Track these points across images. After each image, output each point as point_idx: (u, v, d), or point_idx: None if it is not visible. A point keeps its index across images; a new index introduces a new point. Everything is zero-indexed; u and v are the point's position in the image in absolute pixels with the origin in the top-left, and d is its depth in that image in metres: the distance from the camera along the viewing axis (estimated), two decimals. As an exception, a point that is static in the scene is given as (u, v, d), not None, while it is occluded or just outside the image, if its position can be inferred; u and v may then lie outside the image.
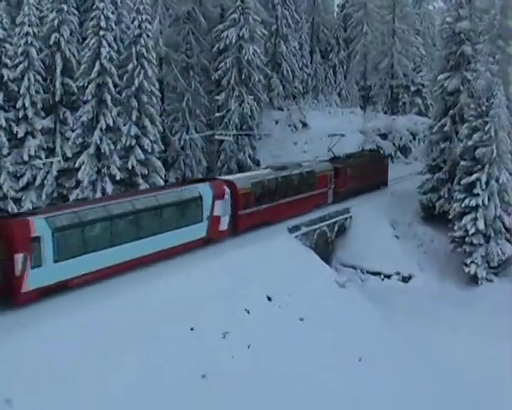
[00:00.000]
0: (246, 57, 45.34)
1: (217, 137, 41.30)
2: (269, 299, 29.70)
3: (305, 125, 54.13)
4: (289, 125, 52.82)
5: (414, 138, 58.67)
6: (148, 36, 38.70)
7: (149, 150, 38.44)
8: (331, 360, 28.52)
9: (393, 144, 55.12)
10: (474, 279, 39.86)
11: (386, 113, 64.15)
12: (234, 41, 45.65)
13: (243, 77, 46.01)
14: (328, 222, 39.16)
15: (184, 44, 46.45)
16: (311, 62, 65.89)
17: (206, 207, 31.41)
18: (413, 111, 64.12)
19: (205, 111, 47.28)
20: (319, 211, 39.72)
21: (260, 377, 25.41)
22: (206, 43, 47.45)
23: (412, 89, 64.48)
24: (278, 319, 28.85)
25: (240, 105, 45.71)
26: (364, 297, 34.71)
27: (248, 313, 28.14)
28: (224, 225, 32.61)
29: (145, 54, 38.47)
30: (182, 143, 45.45)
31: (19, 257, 23.30)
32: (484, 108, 39.55)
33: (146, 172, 38.52)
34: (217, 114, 45.36)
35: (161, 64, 45.92)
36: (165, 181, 42.38)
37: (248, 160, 45.80)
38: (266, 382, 25.40)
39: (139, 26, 38.54)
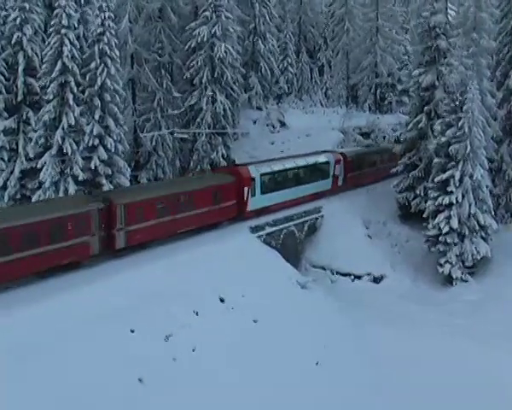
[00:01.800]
0: (218, 55, 44.45)
1: (176, 134, 40.41)
2: (221, 300, 28.75)
3: (283, 124, 53.19)
4: (267, 125, 51.89)
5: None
6: (111, 34, 37.90)
7: (113, 150, 37.61)
8: (285, 363, 27.56)
9: (376, 143, 53.92)
10: (448, 280, 38.72)
11: (374, 112, 63.17)
12: (206, 39, 44.78)
13: (216, 75, 45.14)
14: (296, 222, 38.19)
15: (156, 43, 45.63)
16: (296, 62, 64.92)
17: (331, 168, 45.66)
18: (400, 110, 62.92)
19: (177, 110, 46.39)
20: (286, 211, 38.75)
21: (204, 381, 24.49)
22: (178, 42, 46.63)
23: (399, 88, 63.27)
24: (230, 320, 27.93)
25: (212, 104, 44.84)
26: (329, 299, 33.67)
27: (197, 314, 27.19)
28: (340, 182, 46.51)
29: (108, 52, 37.63)
30: (154, 143, 44.60)
31: (246, 189, 36.88)
32: (457, 102, 38.50)
33: (110, 172, 37.68)
34: (176, 112, 44.28)
35: (133, 63, 45.18)
36: (135, 181, 41.75)
37: (222, 159, 44.84)
38: (210, 386, 24.46)
39: (102, 24, 37.70)
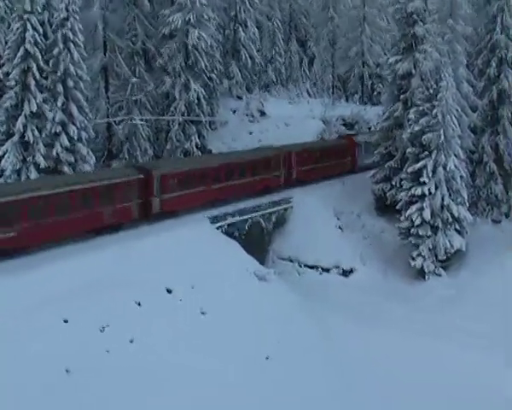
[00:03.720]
0: (191, 42, 43.46)
1: (134, 121, 39.52)
2: (168, 291, 27.77)
3: (263, 114, 52.08)
4: (247, 115, 50.84)
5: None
6: (75, 19, 37.06)
7: (76, 138, 36.80)
8: (233, 358, 26.55)
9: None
10: (421, 274, 37.52)
11: (365, 103, 61.89)
12: (179, 26, 43.80)
13: (189, 63, 44.15)
14: (263, 212, 37.14)
15: (130, 30, 44.76)
16: (285, 51, 63.77)
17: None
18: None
19: (151, 99, 45.51)
20: (252, 200, 37.70)
21: (138, 374, 23.57)
22: (152, 29, 45.70)
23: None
24: (175, 312, 26.91)
25: (186, 92, 43.87)
26: (290, 291, 32.55)
27: (139, 305, 26.24)
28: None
29: (72, 38, 36.77)
30: (126, 131, 43.74)
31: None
32: (432, 90, 37.27)
33: (73, 159, 36.87)
34: (140, 96, 43.42)
35: (105, 50, 44.35)
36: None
37: (195, 149, 43.87)
38: (144, 380, 23.52)
39: (66, 9, 36.84)
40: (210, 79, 47.01)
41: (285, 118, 50.86)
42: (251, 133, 49.79)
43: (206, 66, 44.61)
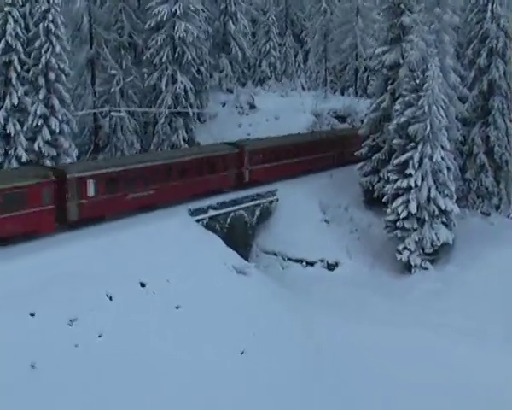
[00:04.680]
0: (178, 35, 42.99)
1: (112, 113, 39.10)
2: (142, 285, 27.37)
3: (253, 107, 51.57)
4: (236, 107, 50.33)
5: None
6: (57, 11, 36.72)
7: (57, 131, 36.50)
8: (207, 353, 26.16)
9: (353, 127, 51.93)
10: (407, 267, 36.94)
11: (361, 96, 61.16)
12: (166, 18, 43.36)
13: (176, 55, 43.70)
14: (246, 205, 36.67)
15: (117, 23, 44.38)
16: (280, 45, 63.21)
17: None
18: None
19: (138, 92, 45.16)
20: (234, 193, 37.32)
21: (106, 369, 23.22)
22: (139, 22, 45.29)
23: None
24: (147, 306, 26.47)
25: (173, 85, 43.46)
26: (270, 285, 32.11)
27: (111, 299, 25.86)
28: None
29: (53, 30, 36.47)
30: (113, 125, 43.44)
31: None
32: (418, 81, 36.63)
33: (55, 153, 36.58)
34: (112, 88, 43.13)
35: (92, 44, 44.02)
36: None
37: (183, 142, 43.45)
38: (114, 374, 23.20)
39: (47, 1, 36.55)
40: (199, 71, 46.56)
41: (275, 111, 50.47)
42: (240, 126, 49.34)
43: (193, 58, 44.15)
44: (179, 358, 25.20)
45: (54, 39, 36.60)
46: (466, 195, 42.41)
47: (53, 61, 36.49)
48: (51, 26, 36.50)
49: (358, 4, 55.44)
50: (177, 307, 27.34)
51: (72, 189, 30.30)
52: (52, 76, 36.56)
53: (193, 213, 33.13)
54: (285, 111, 49.78)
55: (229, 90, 51.83)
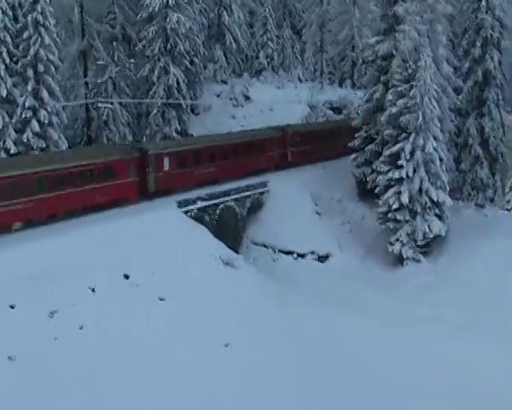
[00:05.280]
0: (170, 26, 42.64)
1: (99, 105, 38.79)
2: (126, 277, 27.14)
3: (247, 98, 51.19)
4: (231, 99, 49.97)
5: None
6: (46, 2, 36.45)
7: (47, 123, 36.27)
8: (190, 344, 25.89)
9: (349, 118, 51.46)
10: (399, 260, 36.58)
11: (359, 88, 60.61)
12: (158, 9, 43.00)
13: (169, 47, 43.36)
14: (236, 196, 36.32)
15: (109, 15, 44.06)
16: (277, 37, 62.74)
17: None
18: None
19: (131, 83, 44.89)
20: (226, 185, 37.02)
21: (88, 361, 22.99)
22: (131, 14, 44.96)
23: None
24: (131, 298, 26.22)
25: (165, 76, 43.13)
26: (259, 277, 31.80)
27: (93, 291, 25.65)
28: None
29: (42, 21, 36.21)
30: (105, 117, 43.20)
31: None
32: (410, 71, 36.18)
33: (44, 145, 36.37)
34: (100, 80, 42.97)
35: (84, 35, 43.76)
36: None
37: (175, 134, 43.15)
38: (95, 366, 22.98)
39: (36, -8, 36.36)
40: (192, 62, 46.22)
41: (270, 102, 50.13)
42: (234, 118, 49.00)
43: (186, 50, 43.82)
44: (162, 349, 24.96)
45: (43, 31, 36.32)
46: (461, 186, 42.06)
47: (42, 52, 36.23)
48: (40, 17, 36.21)
49: (355, -5, 55.08)
50: (161, 299, 27.10)
51: (152, 164, 34.76)
52: (41, 68, 36.30)
53: (181, 204, 32.82)
54: (280, 102, 49.44)
55: (224, 82, 51.46)
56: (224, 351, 26.61)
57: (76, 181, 30.50)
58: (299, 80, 59.99)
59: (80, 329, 24.04)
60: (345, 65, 61.37)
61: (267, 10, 61.93)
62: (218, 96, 50.21)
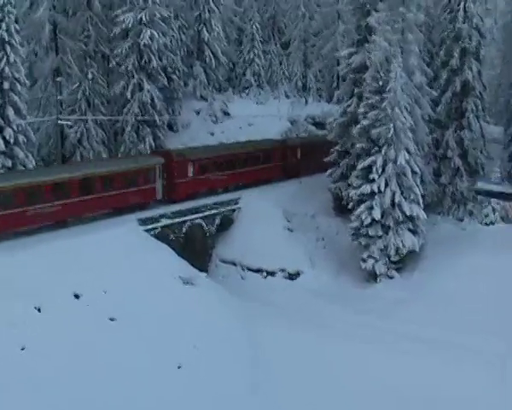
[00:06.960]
0: (143, 42, 42.16)
1: (60, 122, 38.20)
2: (76, 296, 26.31)
3: (227, 114, 50.54)
4: (210, 115, 49.32)
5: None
6: (10, 19, 35.99)
7: (12, 141, 35.75)
8: (142, 367, 24.95)
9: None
10: (372, 276, 35.56)
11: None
12: (131, 25, 42.57)
13: (143, 63, 42.85)
14: (204, 214, 35.49)
15: (84, 32, 43.69)
16: (264, 53, 62.23)
17: None
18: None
19: (106, 101, 44.42)
20: (193, 202, 36.19)
21: (27, 384, 22.15)
22: (106, 31, 44.56)
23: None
24: (79, 318, 25.34)
25: (140, 93, 42.58)
26: (220, 295, 30.78)
27: (39, 310, 24.83)
28: None
29: (7, 39, 35.78)
30: (78, 135, 42.71)
31: None
32: (381, 82, 35.34)
33: (10, 164, 35.83)
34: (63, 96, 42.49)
35: (57, 53, 43.41)
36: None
37: (149, 151, 42.43)
38: (34, 389, 22.10)
39: (1, 10, 35.99)
40: (170, 79, 45.69)
41: (250, 118, 49.47)
42: (212, 134, 48.35)
43: (161, 66, 43.30)
44: (107, 370, 24.11)
45: (8, 48, 35.85)
46: (441, 200, 40.97)
47: (7, 69, 35.77)
48: (5, 34, 35.70)
49: (339, 9, 54.26)
50: (111, 320, 26.23)
51: (177, 170, 37.29)
52: (6, 85, 35.84)
53: (143, 222, 32.05)
54: (259, 118, 48.80)
55: (204, 98, 50.86)
56: (177, 373, 25.69)
57: None
58: (286, 96, 59.30)
59: (22, 350, 23.20)
60: (332, 78, 60.60)
61: (254, 27, 61.57)
62: (198, 112, 49.59)
